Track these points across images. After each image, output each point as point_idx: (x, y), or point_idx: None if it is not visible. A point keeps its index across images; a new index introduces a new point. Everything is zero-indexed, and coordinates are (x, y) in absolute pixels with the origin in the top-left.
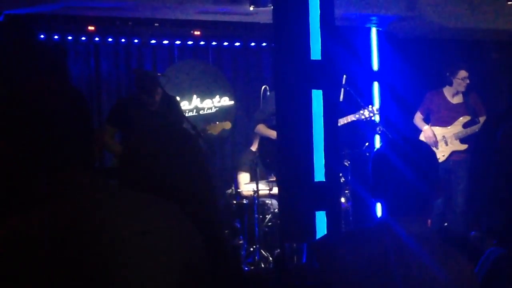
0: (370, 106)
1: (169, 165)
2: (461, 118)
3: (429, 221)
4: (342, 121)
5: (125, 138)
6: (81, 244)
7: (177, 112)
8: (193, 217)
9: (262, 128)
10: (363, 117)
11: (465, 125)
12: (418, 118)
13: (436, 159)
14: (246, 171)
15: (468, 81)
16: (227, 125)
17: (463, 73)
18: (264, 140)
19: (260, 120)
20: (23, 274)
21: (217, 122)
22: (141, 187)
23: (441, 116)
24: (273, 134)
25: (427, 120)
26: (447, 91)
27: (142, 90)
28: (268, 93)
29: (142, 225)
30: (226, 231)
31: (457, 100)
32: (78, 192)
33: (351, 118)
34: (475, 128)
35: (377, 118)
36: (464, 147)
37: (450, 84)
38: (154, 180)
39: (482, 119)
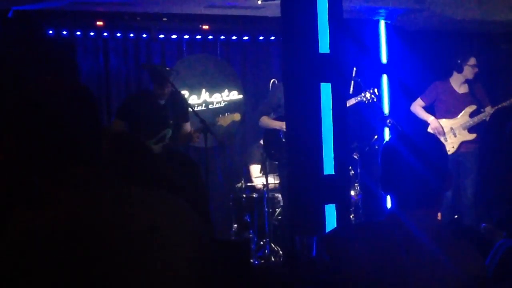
0: (371, 89)
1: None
2: (467, 108)
3: (439, 213)
4: None
5: (133, 132)
6: (89, 240)
7: (183, 107)
8: None
9: (266, 120)
10: (364, 99)
11: (471, 115)
12: (417, 106)
13: (445, 151)
14: (257, 163)
15: (476, 69)
16: (237, 116)
17: (473, 60)
18: (268, 131)
19: (263, 112)
20: (32, 270)
21: (226, 114)
22: None
23: (447, 106)
24: (277, 125)
25: (428, 110)
26: (454, 81)
27: (155, 81)
28: (276, 84)
29: (151, 220)
30: (235, 225)
31: (463, 90)
32: (86, 188)
33: (352, 101)
34: (482, 116)
35: (386, 109)
36: (473, 136)
37: (460, 71)
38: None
39: (487, 109)
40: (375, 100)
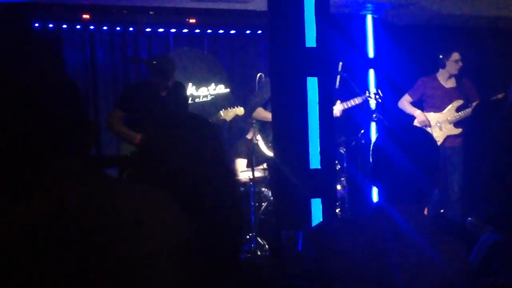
0: (367, 92)
1: (188, 155)
2: (454, 102)
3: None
4: (341, 107)
5: (132, 122)
6: (73, 233)
7: (184, 99)
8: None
9: (261, 112)
10: (369, 99)
11: (458, 109)
12: (405, 102)
13: (436, 147)
14: (243, 157)
15: (460, 64)
16: (240, 111)
17: (456, 55)
18: (265, 123)
19: (258, 104)
20: (17, 262)
21: (229, 108)
22: (159, 177)
23: (434, 101)
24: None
25: (416, 105)
26: (441, 76)
27: (161, 73)
28: (264, 80)
29: (135, 214)
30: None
31: (450, 84)
32: (71, 181)
33: (358, 100)
34: (468, 111)
35: (372, 105)
36: (458, 131)
37: (443, 67)
38: (173, 168)
39: (475, 104)
40: (379, 100)
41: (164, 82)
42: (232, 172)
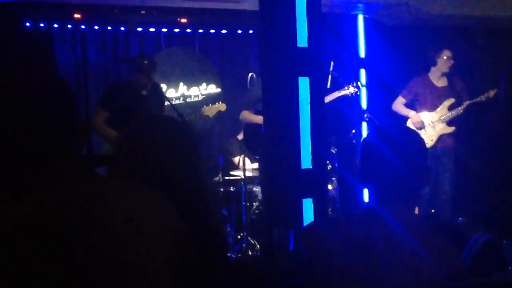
0: (354, 82)
1: (162, 154)
2: (446, 101)
3: (416, 208)
4: (328, 99)
5: (115, 122)
6: (65, 232)
7: (162, 98)
8: (183, 205)
9: (246, 114)
10: (348, 92)
11: (450, 108)
12: (399, 104)
13: (425, 147)
14: (235, 157)
15: (452, 62)
16: (223, 107)
17: (447, 53)
18: (249, 126)
19: (244, 106)
20: (5, 262)
21: (210, 105)
22: (134, 174)
23: (427, 100)
24: (257, 119)
25: (409, 106)
26: (432, 75)
27: (143, 71)
28: (255, 79)
29: (127, 212)
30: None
31: (442, 83)
32: (63, 180)
33: (336, 94)
34: (460, 110)
35: (363, 104)
36: (451, 129)
37: (434, 65)
38: (148, 168)
39: (466, 103)
40: (358, 93)
41: (144, 81)
42: (204, 176)
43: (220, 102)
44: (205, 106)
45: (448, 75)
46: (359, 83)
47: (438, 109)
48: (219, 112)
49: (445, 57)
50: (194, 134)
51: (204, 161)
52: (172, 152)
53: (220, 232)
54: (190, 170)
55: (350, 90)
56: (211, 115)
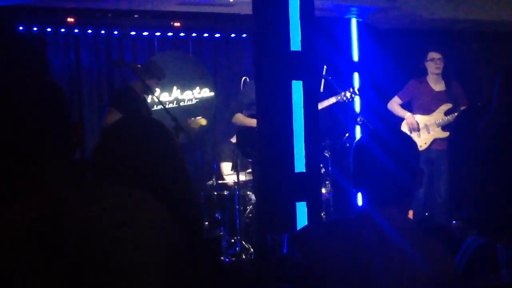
0: (350, 88)
1: (143, 157)
2: (442, 106)
3: (410, 211)
4: (324, 104)
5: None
6: (59, 237)
7: (147, 103)
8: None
9: (240, 117)
10: (344, 98)
11: (446, 113)
12: (395, 104)
13: (417, 149)
14: (228, 161)
15: (440, 63)
16: (203, 121)
17: (432, 54)
18: (242, 129)
19: (237, 109)
20: (2, 267)
21: (193, 118)
22: (114, 178)
23: (423, 104)
24: (251, 122)
25: (405, 107)
26: (430, 79)
27: (157, 77)
28: (248, 83)
29: (120, 217)
30: (206, 223)
31: (439, 87)
32: (56, 185)
33: (332, 100)
34: (456, 115)
35: (357, 107)
36: (446, 134)
37: (425, 70)
38: (128, 171)
39: (463, 108)
40: (355, 99)
41: (157, 86)
42: (189, 182)
43: (201, 117)
44: (192, 118)
45: (446, 80)
46: (356, 89)
47: (434, 113)
48: (201, 126)
49: (430, 59)
50: (171, 133)
51: (186, 161)
52: (150, 152)
53: (208, 238)
54: (172, 174)
55: (347, 95)
56: (196, 127)
